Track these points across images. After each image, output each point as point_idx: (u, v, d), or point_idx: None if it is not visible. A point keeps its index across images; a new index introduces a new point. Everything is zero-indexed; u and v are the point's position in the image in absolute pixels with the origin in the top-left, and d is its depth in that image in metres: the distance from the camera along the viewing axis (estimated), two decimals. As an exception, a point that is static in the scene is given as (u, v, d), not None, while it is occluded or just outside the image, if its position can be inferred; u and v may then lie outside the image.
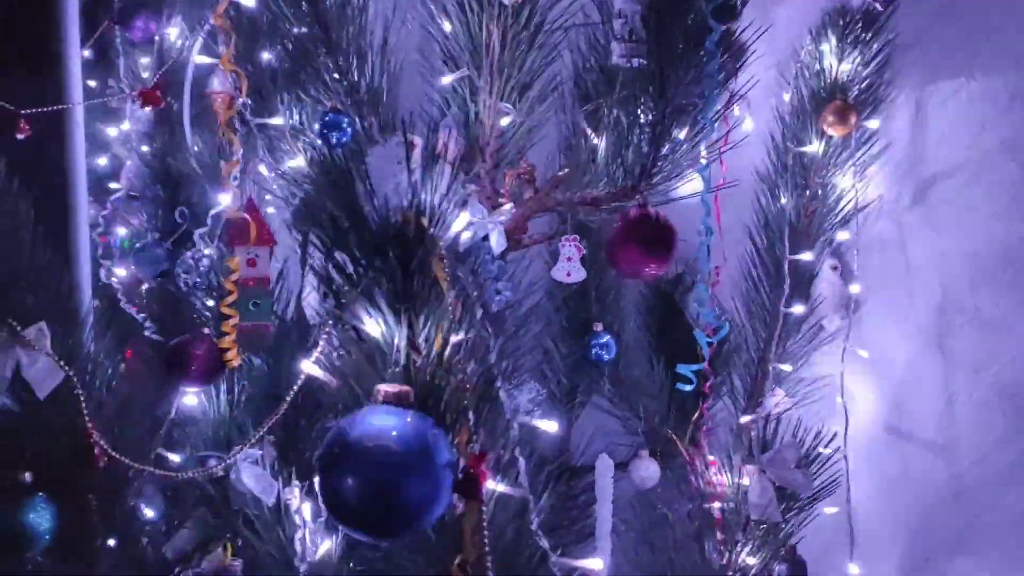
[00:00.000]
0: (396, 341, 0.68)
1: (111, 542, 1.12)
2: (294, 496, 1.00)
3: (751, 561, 0.99)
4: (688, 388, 1.11)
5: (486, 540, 0.72)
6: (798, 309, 1.33)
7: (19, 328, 0.89)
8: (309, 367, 0.75)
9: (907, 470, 1.36)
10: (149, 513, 1.20)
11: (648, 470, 1.41)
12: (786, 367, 1.34)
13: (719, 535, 0.99)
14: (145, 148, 1.54)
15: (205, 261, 1.26)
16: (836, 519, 1.32)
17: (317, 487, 0.65)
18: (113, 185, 1.57)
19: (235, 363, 1.07)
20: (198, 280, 1.28)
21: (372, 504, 0.64)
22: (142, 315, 1.48)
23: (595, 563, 0.83)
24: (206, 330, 1.20)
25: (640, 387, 1.41)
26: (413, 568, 0.78)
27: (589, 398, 1.41)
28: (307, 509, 0.95)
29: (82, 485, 0.95)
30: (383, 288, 0.66)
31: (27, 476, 0.92)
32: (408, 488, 0.64)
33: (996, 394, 1.28)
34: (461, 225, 0.69)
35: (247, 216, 1.08)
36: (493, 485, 0.76)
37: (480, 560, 0.73)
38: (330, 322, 0.72)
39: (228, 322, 1.06)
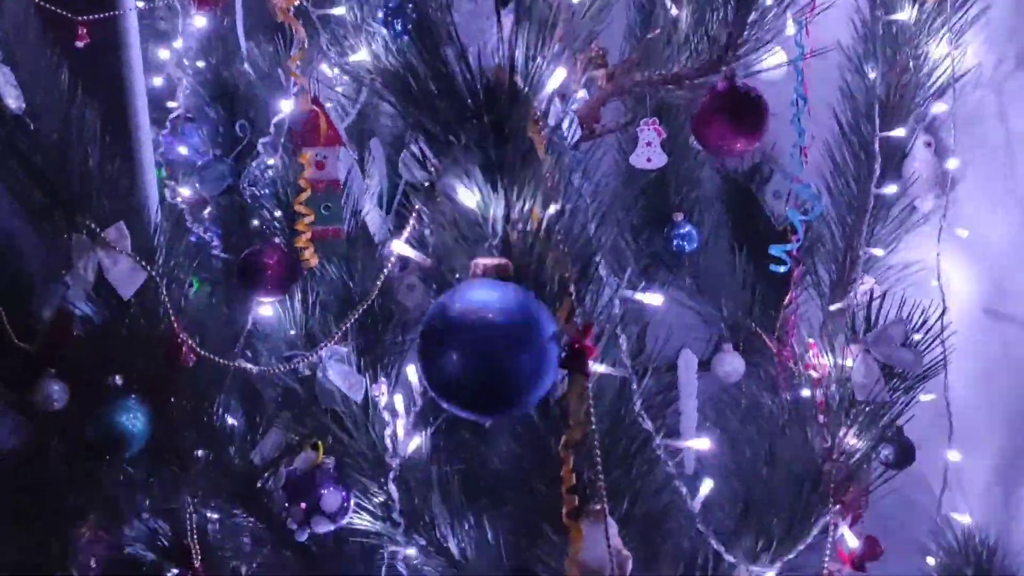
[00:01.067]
0: (492, 212, 0.64)
1: (200, 452, 1.14)
2: (382, 393, 0.99)
3: (856, 444, 0.95)
4: (781, 269, 1.06)
5: (592, 420, 0.69)
6: (890, 189, 1.26)
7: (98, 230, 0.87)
8: (400, 247, 0.72)
9: (1007, 354, 1.30)
10: (234, 422, 1.20)
11: (732, 364, 1.37)
12: (878, 252, 1.28)
13: (821, 419, 0.95)
14: (200, 64, 1.51)
15: (271, 171, 1.24)
16: (933, 407, 1.27)
17: (419, 366, 0.63)
18: (171, 104, 1.55)
19: (312, 263, 1.05)
20: (266, 191, 1.27)
21: (478, 379, 0.61)
22: (209, 234, 1.47)
23: (702, 442, 0.80)
24: (277, 240, 1.19)
25: (722, 279, 1.36)
26: (512, 452, 0.76)
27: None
28: (399, 402, 0.93)
29: (171, 386, 0.95)
30: (475, 155, 0.62)
31: (118, 379, 0.92)
32: (514, 361, 0.61)
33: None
34: (557, 83, 0.64)
35: (315, 109, 1.05)
36: (595, 366, 0.72)
37: (586, 440, 0.70)
38: (421, 198, 0.68)
39: (303, 220, 1.03)
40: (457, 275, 0.67)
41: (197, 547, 1.09)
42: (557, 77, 0.65)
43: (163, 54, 1.51)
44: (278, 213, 1.22)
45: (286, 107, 1.16)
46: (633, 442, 0.78)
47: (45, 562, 1.28)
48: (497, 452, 0.81)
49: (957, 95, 1.26)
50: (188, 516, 1.12)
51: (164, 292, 0.90)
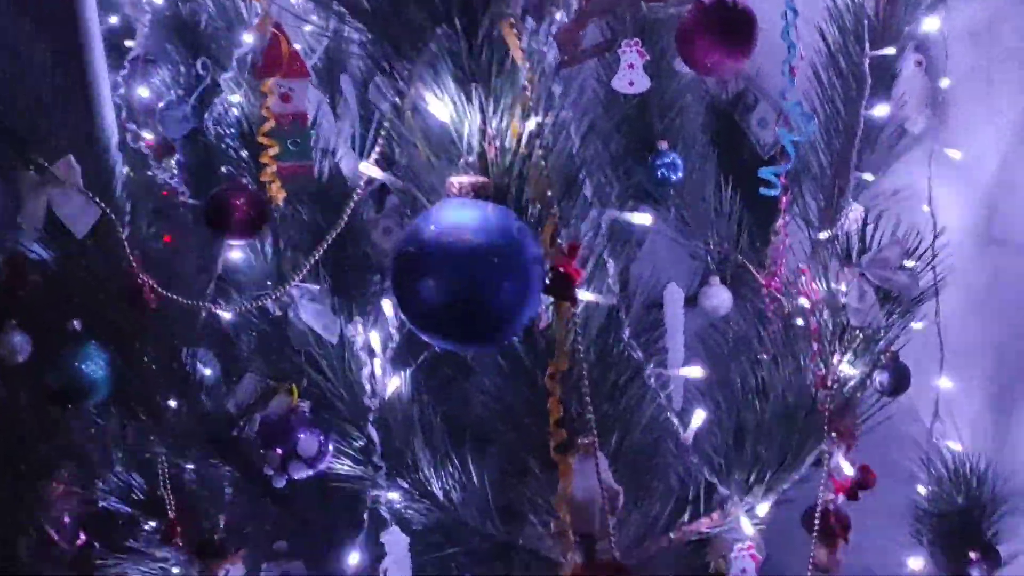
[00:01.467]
0: (467, 126, 0.59)
1: (172, 403, 1.10)
2: (358, 333, 0.95)
3: (851, 371, 0.92)
4: (772, 193, 1.02)
5: (579, 349, 0.65)
6: (880, 111, 1.21)
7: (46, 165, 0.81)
8: (368, 168, 0.67)
9: (998, 279, 1.28)
10: (207, 372, 1.16)
11: (720, 298, 1.34)
12: (868, 176, 1.24)
13: (815, 347, 0.92)
14: (159, 1, 1.44)
15: (235, 110, 1.18)
16: (922, 336, 1.25)
17: (393, 295, 0.58)
18: (129, 43, 1.49)
19: (279, 198, 0.99)
20: (231, 131, 1.21)
21: (457, 307, 0.57)
22: (176, 180, 1.42)
23: (694, 370, 0.76)
24: (244, 181, 1.13)
25: (707, 211, 1.32)
26: (496, 387, 0.72)
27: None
28: (375, 339, 0.89)
29: (136, 331, 0.90)
30: (447, 62, 0.57)
31: (76, 324, 0.87)
32: (496, 285, 0.56)
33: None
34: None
35: (277, 34, 0.99)
36: (582, 293, 0.68)
37: (573, 371, 0.66)
38: (389, 115, 0.63)
39: (267, 152, 0.98)
40: (430, 198, 0.63)
41: (171, 498, 1.06)
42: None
43: (119, -9, 1.44)
44: (245, 153, 1.17)
45: (248, 39, 1.09)
46: (623, 373, 0.74)
47: (17, 518, 1.24)
48: (480, 388, 0.77)
49: (949, 11, 1.21)
50: (161, 467, 1.08)
51: (122, 231, 0.84)
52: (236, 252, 1.16)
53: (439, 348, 0.59)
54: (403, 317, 0.58)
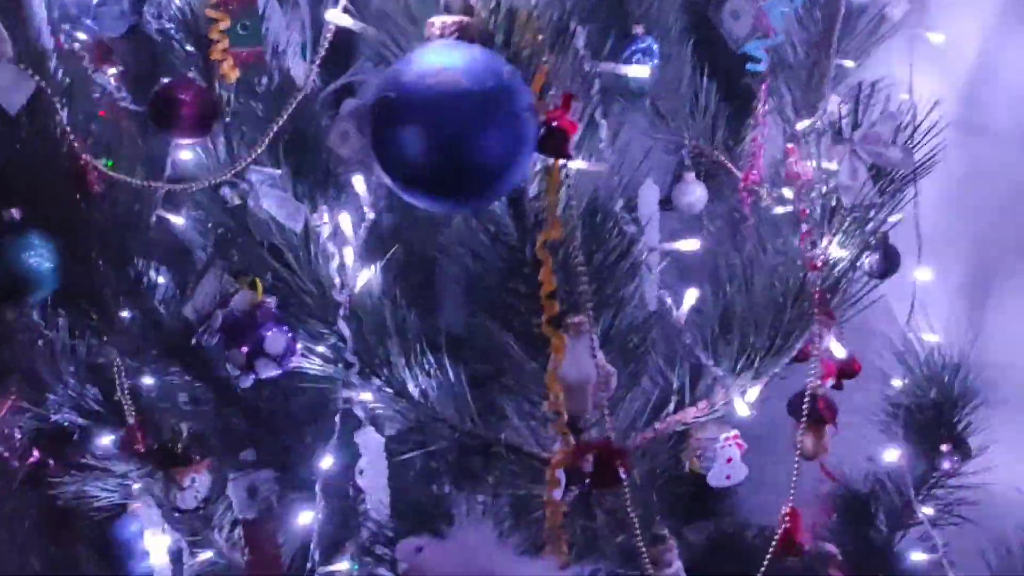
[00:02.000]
0: (449, -42, 0.52)
1: (125, 313, 1.04)
2: (324, 220, 0.89)
3: (841, 253, 0.89)
4: (760, 68, 0.97)
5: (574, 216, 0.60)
6: (854, -9, 1.17)
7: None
8: (335, 15, 0.61)
9: (977, 168, 1.26)
10: (160, 280, 1.11)
11: (695, 194, 1.30)
12: (848, 63, 1.20)
13: (804, 227, 0.89)
14: None
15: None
16: (902, 227, 1.23)
17: (372, 148, 0.53)
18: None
19: (232, 77, 0.92)
20: (172, 25, 1.13)
21: (443, 156, 0.51)
22: (116, 83, 1.33)
23: (691, 243, 0.72)
24: (191, 74, 1.06)
25: (682, 104, 1.27)
26: (485, 256, 0.67)
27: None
28: (345, 222, 0.83)
29: (80, 218, 0.83)
30: None
31: (15, 213, 0.79)
32: (485, 133, 0.51)
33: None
34: None
35: None
36: (578, 164, 0.63)
37: (565, 243, 0.62)
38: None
39: (216, 27, 0.90)
40: (406, 48, 0.57)
41: (130, 404, 1.01)
42: None
43: None
44: (190, 48, 1.08)
45: (187, -82, 1.01)
46: (614, 249, 0.70)
47: (-37, 437, 1.19)
48: (460, 266, 0.73)
49: None
50: (118, 373, 1.03)
51: (60, 107, 0.77)
52: (186, 153, 1.10)
53: (424, 207, 0.54)
54: (382, 172, 0.53)
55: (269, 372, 0.91)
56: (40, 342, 1.18)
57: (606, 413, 0.67)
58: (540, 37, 0.54)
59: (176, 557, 1.24)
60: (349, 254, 0.88)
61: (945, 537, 1.26)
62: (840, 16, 1.19)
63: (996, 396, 1.27)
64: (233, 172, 0.83)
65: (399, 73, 0.51)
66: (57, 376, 1.18)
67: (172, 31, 1.12)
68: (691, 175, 1.30)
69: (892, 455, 1.25)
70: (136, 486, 1.18)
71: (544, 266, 0.61)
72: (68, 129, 0.77)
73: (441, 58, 0.51)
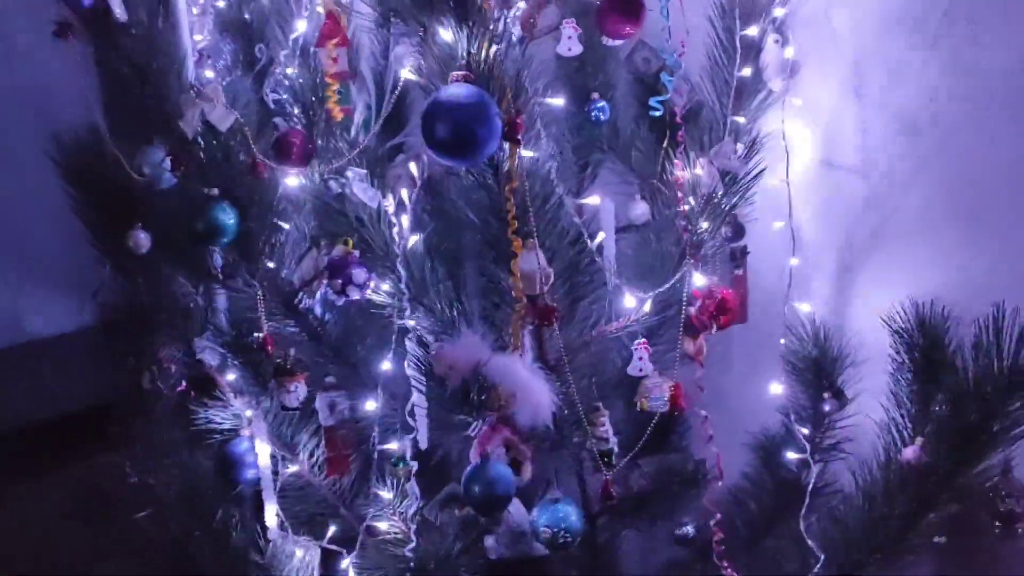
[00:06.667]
0: (460, 45, 1.12)
1: (270, 264, 1.56)
2: (389, 203, 1.46)
3: (705, 226, 1.45)
4: (657, 114, 1.54)
5: (525, 185, 1.17)
6: (746, 72, 1.73)
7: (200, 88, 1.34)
8: (405, 73, 1.20)
9: (837, 191, 1.79)
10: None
11: (640, 209, 1.86)
12: (740, 119, 1.75)
13: (682, 208, 1.45)
14: (221, 3, 1.92)
15: (287, 81, 1.67)
16: (783, 233, 1.76)
17: (422, 135, 1.11)
18: (197, 37, 1.97)
19: (338, 116, 1.51)
20: (284, 96, 1.70)
21: (455, 137, 1.10)
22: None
23: (594, 199, 1.29)
24: (298, 127, 1.63)
25: (630, 145, 1.84)
26: (477, 199, 1.25)
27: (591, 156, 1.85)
28: (405, 194, 1.41)
29: (252, 195, 1.42)
30: (450, 11, 1.10)
31: (215, 191, 1.39)
32: (476, 125, 1.09)
33: (897, 122, 1.71)
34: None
35: (333, 13, 1.51)
36: (523, 151, 1.21)
37: (520, 190, 1.19)
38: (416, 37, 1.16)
39: (331, 87, 1.50)
40: (439, 87, 1.15)
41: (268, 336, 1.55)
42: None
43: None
44: (297, 110, 1.67)
45: (301, 26, 1.60)
46: (550, 198, 1.27)
47: (140, 363, 1.72)
48: (471, 214, 1.29)
49: (794, 2, 1.74)
50: (260, 312, 1.56)
51: (248, 129, 1.37)
52: (292, 179, 1.65)
53: (446, 164, 1.11)
54: (426, 146, 1.11)
55: (355, 295, 1.47)
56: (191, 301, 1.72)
57: (546, 293, 1.23)
58: (506, 83, 1.13)
59: (274, 469, 1.63)
60: (405, 221, 1.45)
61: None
62: (733, 86, 1.76)
63: (860, 356, 1.71)
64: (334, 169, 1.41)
65: (437, 95, 1.10)
66: (203, 324, 1.72)
67: (283, 102, 1.71)
68: (638, 195, 1.86)
69: (777, 389, 1.74)
70: (248, 413, 1.69)
71: (509, 203, 1.18)
72: (250, 140, 1.36)
73: (455, 90, 1.10)
